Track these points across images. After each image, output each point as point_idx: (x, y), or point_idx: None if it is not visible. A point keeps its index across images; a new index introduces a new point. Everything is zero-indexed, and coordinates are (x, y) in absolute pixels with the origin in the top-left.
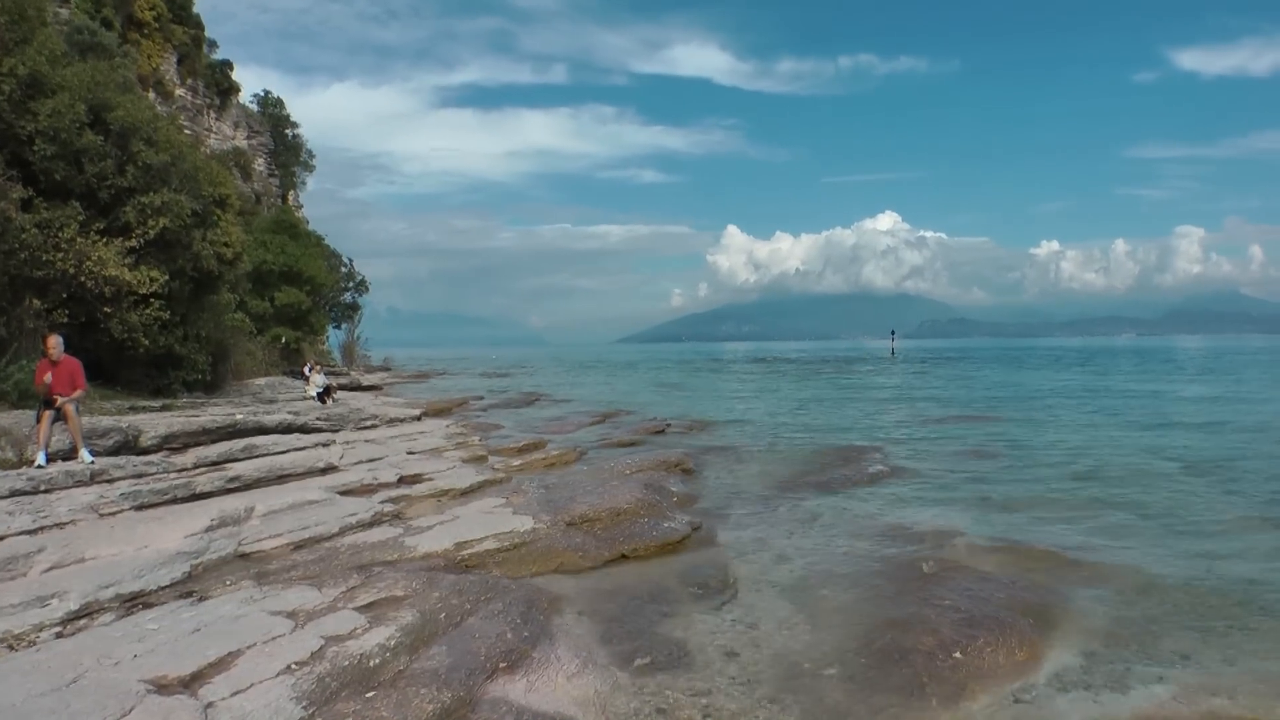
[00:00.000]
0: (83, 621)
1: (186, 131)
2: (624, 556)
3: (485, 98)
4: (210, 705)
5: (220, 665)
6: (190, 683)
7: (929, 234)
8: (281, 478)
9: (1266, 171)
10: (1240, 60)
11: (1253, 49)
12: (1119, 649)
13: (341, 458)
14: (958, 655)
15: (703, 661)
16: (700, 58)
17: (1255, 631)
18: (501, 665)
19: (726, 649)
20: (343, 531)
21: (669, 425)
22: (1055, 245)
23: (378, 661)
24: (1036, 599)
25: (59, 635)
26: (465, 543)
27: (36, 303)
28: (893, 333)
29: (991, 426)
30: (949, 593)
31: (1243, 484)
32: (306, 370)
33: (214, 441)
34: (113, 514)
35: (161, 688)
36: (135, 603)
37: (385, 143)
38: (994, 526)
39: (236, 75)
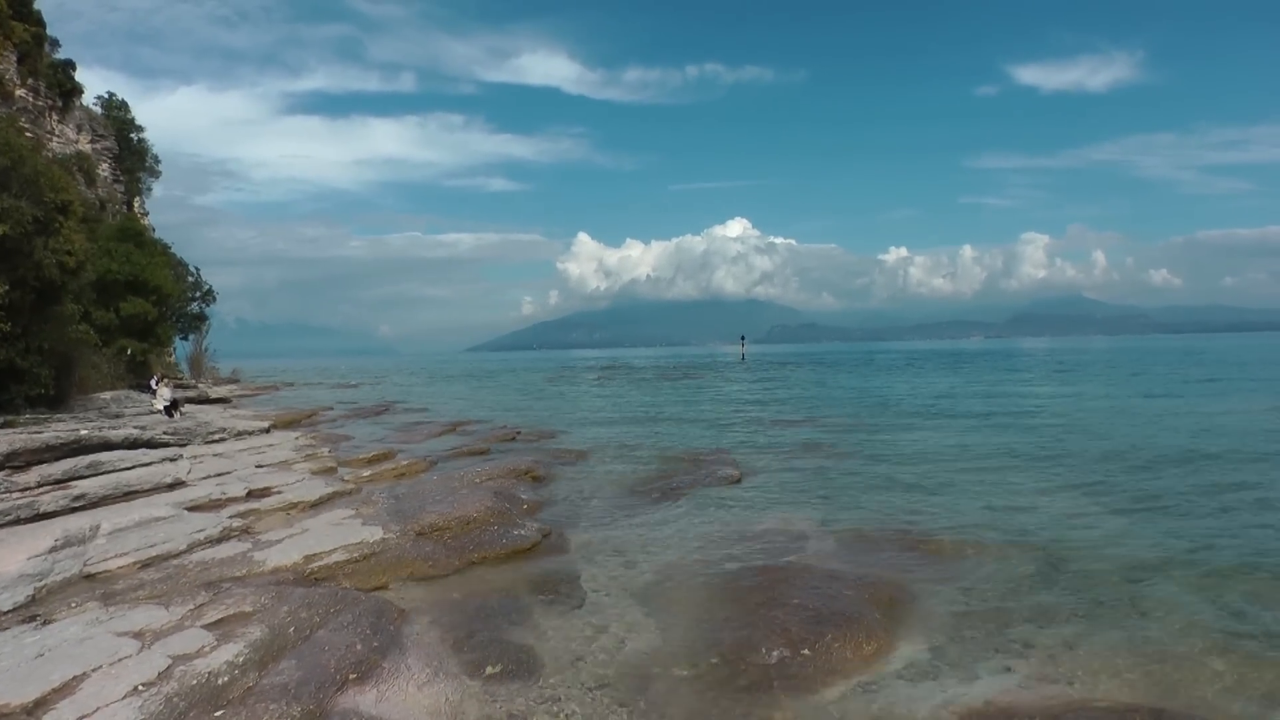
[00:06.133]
0: None
1: (27, 134)
2: (474, 565)
3: (333, 105)
4: None
5: (65, 690)
6: (34, 710)
7: (779, 240)
8: (128, 494)
9: (1106, 181)
10: (1078, 76)
11: (1090, 66)
12: (966, 639)
13: (189, 473)
14: (806, 652)
15: (554, 668)
16: (548, 66)
17: (1092, 618)
18: (352, 677)
19: (577, 654)
20: (191, 548)
21: (519, 433)
22: (904, 251)
23: (226, 679)
24: (884, 594)
25: None
26: (314, 555)
27: None
28: (743, 338)
29: (837, 429)
30: (798, 592)
31: (1081, 475)
32: (153, 383)
33: (58, 458)
34: None
35: (3, 717)
36: None
37: (233, 149)
38: (841, 526)
39: (80, 76)
